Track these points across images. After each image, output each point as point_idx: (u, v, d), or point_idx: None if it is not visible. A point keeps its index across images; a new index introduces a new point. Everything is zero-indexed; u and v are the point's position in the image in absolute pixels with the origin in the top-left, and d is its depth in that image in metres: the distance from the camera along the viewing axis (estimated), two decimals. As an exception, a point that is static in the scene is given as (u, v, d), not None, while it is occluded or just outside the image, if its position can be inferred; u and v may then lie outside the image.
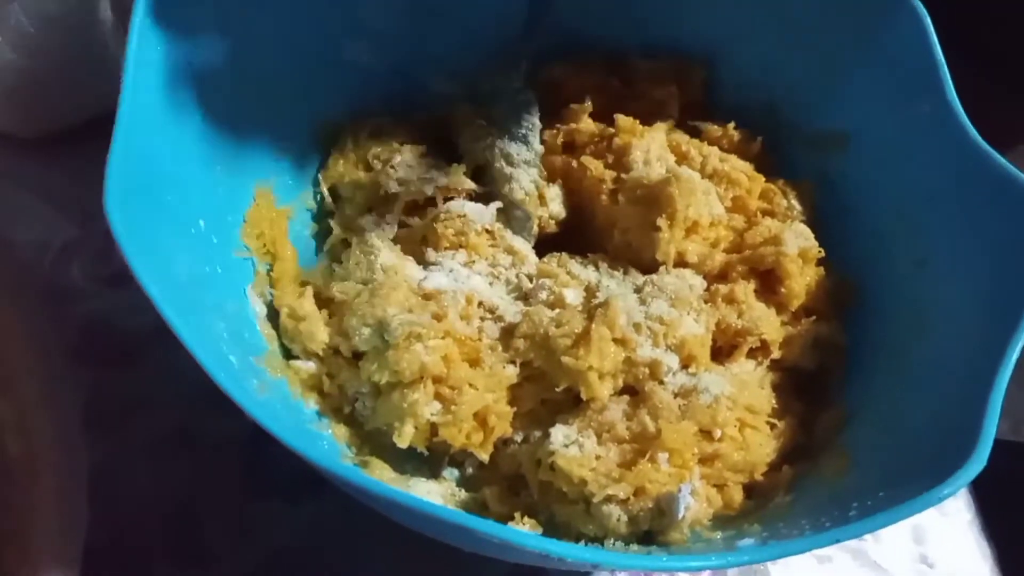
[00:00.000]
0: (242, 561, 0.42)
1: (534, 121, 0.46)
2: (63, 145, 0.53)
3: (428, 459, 0.40)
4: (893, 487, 0.31)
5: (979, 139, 0.40)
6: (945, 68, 0.42)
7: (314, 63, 0.47)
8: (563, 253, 0.46)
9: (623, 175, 0.46)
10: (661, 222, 0.42)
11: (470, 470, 0.41)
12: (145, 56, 0.37)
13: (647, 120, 0.50)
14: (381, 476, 0.38)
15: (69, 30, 0.49)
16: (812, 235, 0.44)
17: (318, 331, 0.40)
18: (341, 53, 0.48)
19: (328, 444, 0.38)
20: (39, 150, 0.53)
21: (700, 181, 0.44)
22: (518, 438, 0.40)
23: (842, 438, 0.39)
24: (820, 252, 0.44)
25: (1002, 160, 0.39)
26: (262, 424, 0.28)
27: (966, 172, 0.40)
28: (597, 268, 0.44)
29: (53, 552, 0.32)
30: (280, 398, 0.38)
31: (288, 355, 0.41)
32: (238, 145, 0.42)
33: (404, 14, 0.49)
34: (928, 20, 0.43)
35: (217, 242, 0.39)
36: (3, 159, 0.53)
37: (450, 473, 0.41)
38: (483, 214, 0.45)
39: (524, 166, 0.46)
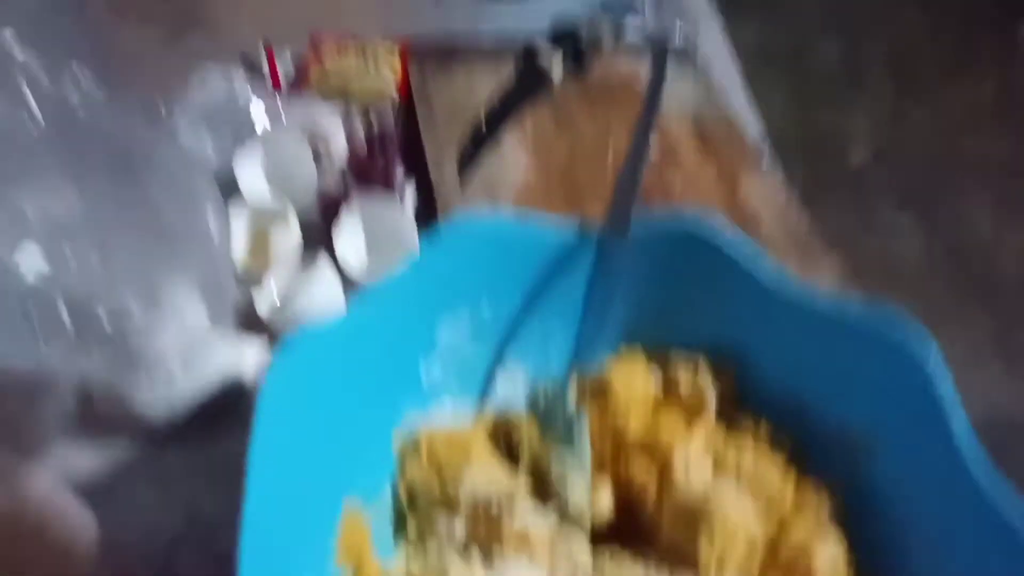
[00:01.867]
0: None
1: (585, 445, 0.52)
2: (171, 435, 0.61)
3: None
4: None
5: (988, 488, 0.43)
6: (952, 418, 0.46)
7: (398, 384, 0.54)
8: (615, 546, 0.51)
9: (665, 483, 0.51)
10: (702, 540, 0.48)
11: None
12: (267, 429, 0.44)
13: (688, 413, 0.56)
14: None
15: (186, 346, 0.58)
16: (844, 543, 0.48)
17: (399, 649, 0.46)
18: (419, 371, 0.56)
19: None
20: (149, 440, 0.61)
21: (736, 499, 0.49)
22: None
23: None
24: (851, 566, 0.48)
25: (1007, 509, 0.43)
26: None
27: (974, 525, 0.44)
28: (645, 564, 0.49)
29: None
30: None
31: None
32: (334, 473, 0.49)
33: (471, 336, 0.56)
34: (936, 369, 0.47)
35: (312, 565, 0.45)
36: (119, 448, 0.60)
37: None
38: (542, 520, 0.51)
39: (577, 476, 0.52)
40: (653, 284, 0.58)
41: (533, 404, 0.55)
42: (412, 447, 0.55)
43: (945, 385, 0.46)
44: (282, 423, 0.44)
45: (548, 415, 0.54)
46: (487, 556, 0.50)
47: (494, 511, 0.51)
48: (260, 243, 0.69)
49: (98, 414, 0.59)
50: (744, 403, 0.57)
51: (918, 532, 0.47)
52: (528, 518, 0.51)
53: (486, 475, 0.52)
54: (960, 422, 0.46)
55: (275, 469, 0.43)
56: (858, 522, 0.51)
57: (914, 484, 0.48)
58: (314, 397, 0.47)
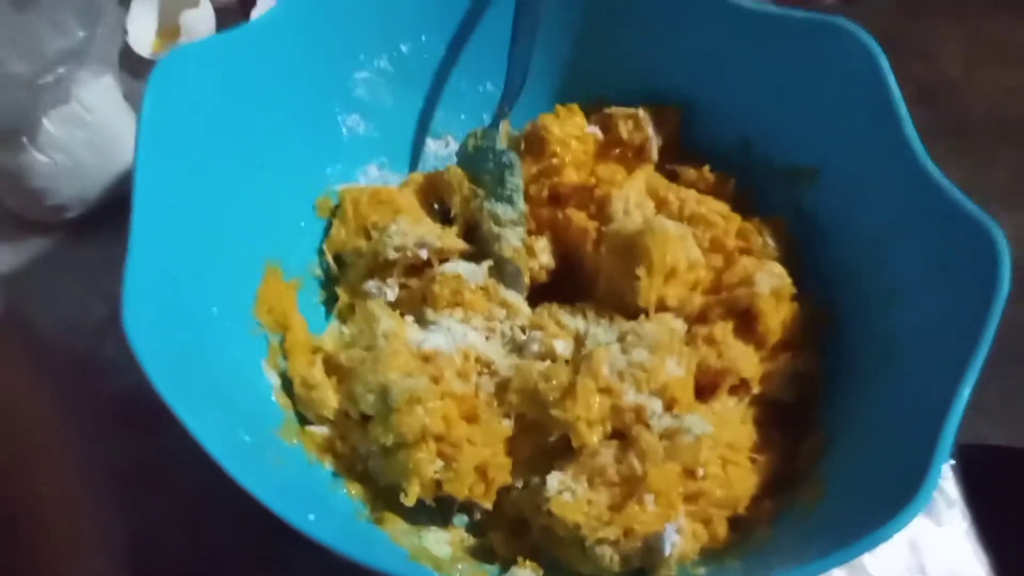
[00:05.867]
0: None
1: (517, 183, 0.49)
2: (91, 226, 0.57)
3: (438, 508, 0.44)
4: (856, 522, 0.34)
5: (935, 173, 0.42)
6: (901, 104, 0.44)
7: (313, 138, 0.51)
8: (554, 304, 0.49)
9: (603, 228, 0.48)
10: (640, 271, 0.45)
11: (478, 515, 0.45)
12: (152, 158, 0.41)
13: (628, 165, 0.53)
14: (395, 529, 0.42)
15: (92, 128, 0.53)
16: (785, 273, 0.46)
17: (328, 398, 0.44)
18: (338, 126, 0.52)
19: (343, 504, 0.42)
20: (70, 233, 0.58)
21: (676, 228, 0.46)
22: (519, 484, 0.43)
23: (820, 467, 0.41)
24: (793, 289, 0.46)
25: (957, 193, 0.41)
26: (266, 503, 0.32)
27: (924, 207, 0.42)
28: (585, 317, 0.47)
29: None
30: (297, 464, 0.42)
31: (303, 421, 0.44)
32: (246, 227, 0.46)
33: (391, 89, 0.52)
34: (882, 59, 0.45)
35: (230, 325, 0.43)
36: (38, 244, 0.57)
37: (460, 519, 0.45)
38: (476, 273, 0.48)
39: (511, 225, 0.49)
40: (587, 37, 0.54)
41: (462, 152, 0.52)
42: (338, 213, 0.52)
43: (891, 76, 0.44)
44: (168, 156, 0.41)
45: (478, 158, 0.50)
46: (419, 316, 0.48)
47: (424, 259, 0.48)
48: (171, 25, 0.64)
49: (10, 210, 0.56)
50: (687, 150, 0.54)
51: (865, 247, 0.45)
52: (460, 268, 0.48)
53: (414, 232, 0.49)
54: (904, 110, 0.43)
55: (162, 208, 0.40)
56: (803, 254, 0.49)
57: (862, 192, 0.46)
58: (203, 128, 0.43)
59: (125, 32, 0.63)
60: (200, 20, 0.64)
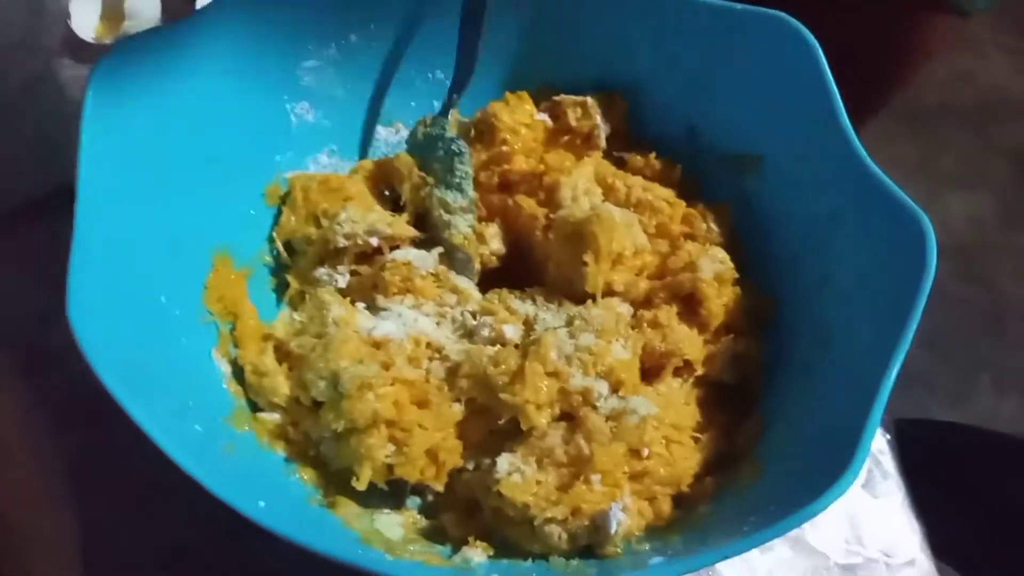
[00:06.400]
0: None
1: (467, 170, 0.50)
2: (33, 215, 0.56)
3: (391, 491, 0.44)
4: (791, 498, 0.35)
5: (871, 165, 0.43)
6: (837, 97, 0.45)
7: (263, 127, 0.50)
8: (504, 289, 0.49)
9: (552, 214, 0.49)
10: (588, 257, 0.46)
11: (430, 497, 0.45)
12: (96, 151, 0.40)
13: (576, 152, 0.54)
14: (348, 513, 0.42)
15: (25, 115, 0.52)
16: (728, 258, 0.48)
17: (279, 385, 0.44)
18: (287, 114, 0.52)
19: (296, 489, 0.42)
20: (11, 223, 0.56)
21: (622, 216, 0.47)
22: (470, 466, 0.44)
23: (759, 447, 0.43)
24: (735, 274, 0.47)
25: (891, 185, 0.42)
26: (214, 491, 0.32)
27: (859, 197, 0.43)
28: (535, 302, 0.48)
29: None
30: (249, 451, 0.42)
31: (255, 408, 0.45)
32: (195, 216, 0.46)
33: (340, 77, 0.52)
34: (819, 53, 0.46)
35: (180, 314, 0.43)
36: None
37: (412, 502, 0.45)
38: (426, 259, 0.49)
39: (460, 212, 0.50)
40: (536, 26, 0.55)
41: (412, 139, 0.52)
42: (288, 200, 0.51)
43: (828, 71, 0.45)
44: (113, 146, 0.40)
45: (428, 146, 0.51)
46: (370, 302, 0.48)
47: (374, 247, 0.48)
48: (115, 9, 0.63)
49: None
50: (635, 137, 0.55)
51: (804, 235, 0.47)
52: (411, 254, 0.49)
53: (364, 220, 0.49)
54: (839, 104, 0.44)
55: (107, 197, 0.40)
56: (747, 240, 0.50)
57: (802, 181, 0.47)
58: (149, 118, 0.43)
59: (68, 17, 0.62)
60: (144, 4, 0.63)
